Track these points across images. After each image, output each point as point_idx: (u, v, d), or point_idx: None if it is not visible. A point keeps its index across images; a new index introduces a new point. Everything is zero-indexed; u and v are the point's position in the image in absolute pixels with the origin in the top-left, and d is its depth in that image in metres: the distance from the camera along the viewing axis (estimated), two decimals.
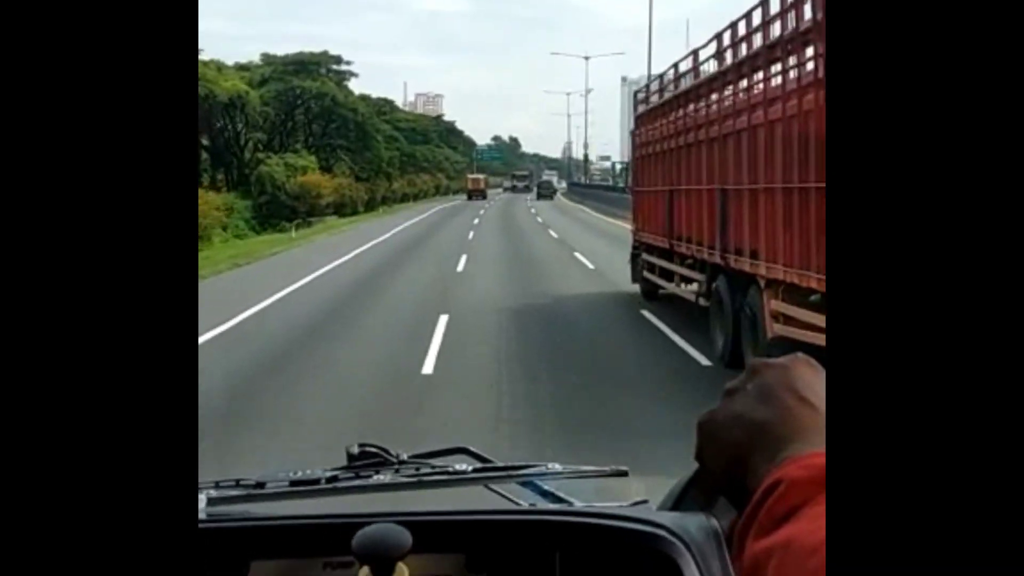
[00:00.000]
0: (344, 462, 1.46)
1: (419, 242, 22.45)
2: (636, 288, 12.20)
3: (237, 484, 1.39)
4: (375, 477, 1.42)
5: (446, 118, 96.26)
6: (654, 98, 11.90)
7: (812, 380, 0.61)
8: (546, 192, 66.18)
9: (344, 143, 42.45)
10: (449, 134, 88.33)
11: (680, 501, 1.19)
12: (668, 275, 10.62)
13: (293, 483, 1.39)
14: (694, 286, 9.34)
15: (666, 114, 10.72)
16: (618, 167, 36.63)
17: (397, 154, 51.38)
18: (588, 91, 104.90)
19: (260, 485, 1.38)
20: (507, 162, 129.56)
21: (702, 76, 9.33)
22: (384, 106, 62.43)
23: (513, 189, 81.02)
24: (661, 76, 11.47)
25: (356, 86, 52.37)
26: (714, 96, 8.87)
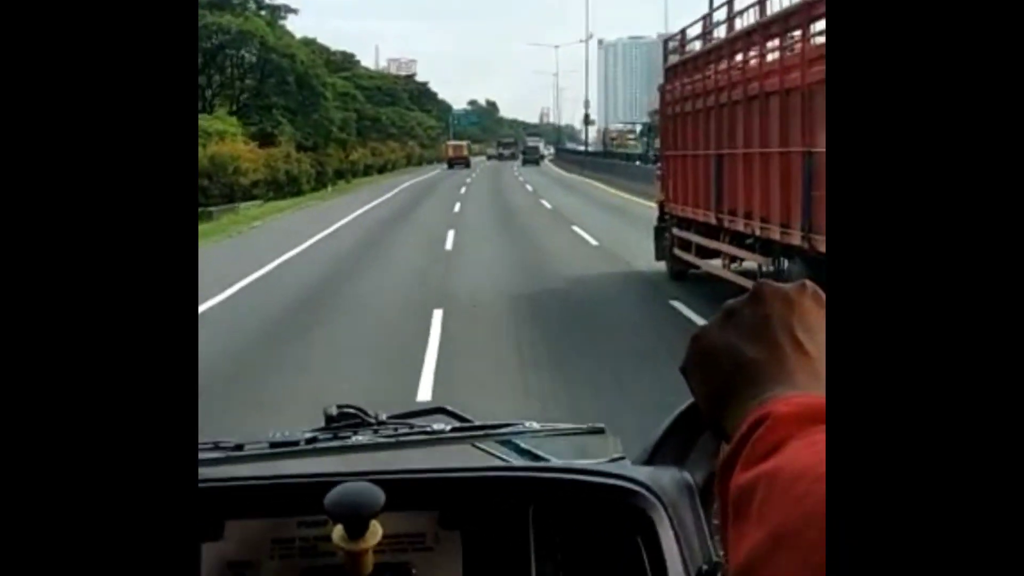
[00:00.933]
0: (322, 423, 1.52)
1: (382, 232, 19.17)
2: (653, 267, 11.54)
3: (216, 446, 1.44)
4: (353, 438, 1.49)
5: (419, 79, 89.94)
6: (695, 45, 10.90)
7: (813, 318, 0.63)
8: (531, 158, 68.40)
9: (282, 102, 35.50)
10: (422, 96, 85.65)
11: (654, 455, 1.27)
12: (710, 253, 9.81)
13: (272, 444, 1.46)
14: (746, 266, 8.48)
15: (715, 61, 9.63)
16: (636, 128, 31.48)
17: (354, 116, 45.02)
18: (589, 37, 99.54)
19: (239, 447, 1.45)
20: (486, 128, 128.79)
21: (775, 10, 8.06)
22: (343, 61, 58.37)
23: (499, 157, 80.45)
24: (707, 16, 10.60)
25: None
26: (796, 33, 7.67)
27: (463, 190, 33.54)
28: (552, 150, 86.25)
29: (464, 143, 68.97)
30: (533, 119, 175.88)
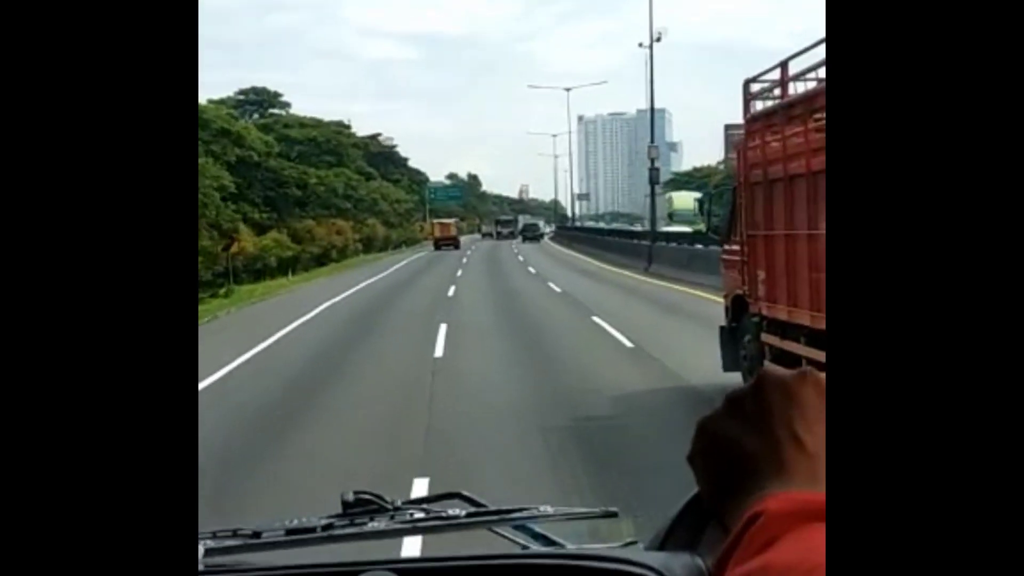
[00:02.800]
0: (339, 509, 1.71)
1: None
2: (715, 382, 9.66)
3: (234, 534, 1.62)
4: (370, 524, 1.65)
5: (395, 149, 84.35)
6: (796, 87, 8.51)
7: (813, 411, 0.69)
8: (532, 235, 74.55)
9: None
10: (387, 162, 64.28)
11: (667, 540, 1.41)
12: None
13: (289, 531, 1.62)
14: None
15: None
16: (690, 200, 27.81)
17: (265, 176, 36.02)
18: (580, 117, 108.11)
19: (256, 535, 1.62)
20: (466, 204, 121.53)
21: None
22: (260, 99, 36.76)
23: (497, 236, 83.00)
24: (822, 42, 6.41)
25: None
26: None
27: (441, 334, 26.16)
28: (552, 228, 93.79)
29: (452, 221, 66.99)
30: (512, 194, 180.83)
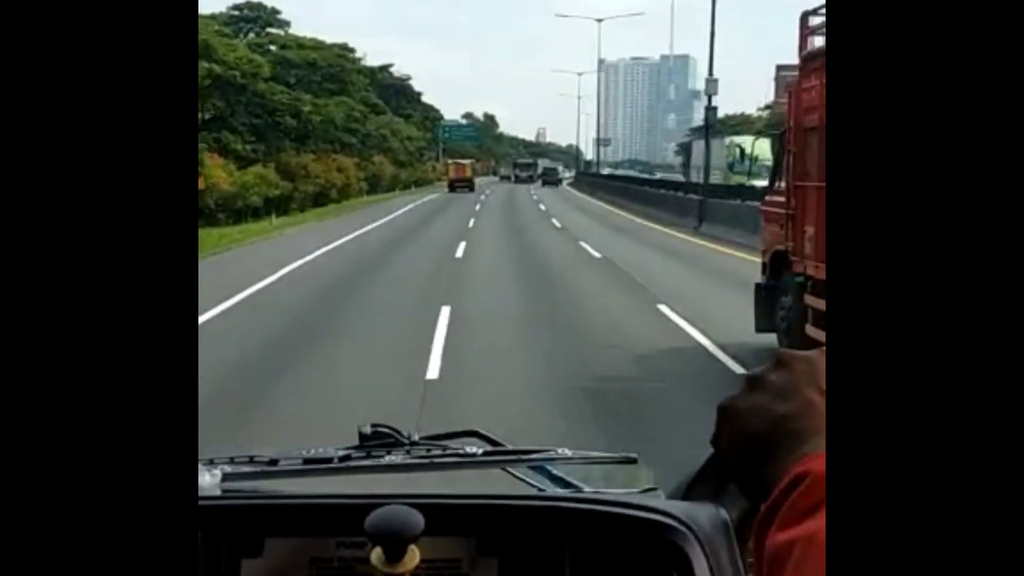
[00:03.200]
0: (356, 441, 1.69)
1: None
2: (748, 342, 9.04)
3: (251, 460, 1.62)
4: (387, 458, 1.65)
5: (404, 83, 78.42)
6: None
7: None
8: (551, 179, 75.41)
9: None
10: (399, 96, 58.51)
11: (690, 491, 1.38)
12: None
13: (306, 461, 1.62)
14: None
15: None
16: (738, 146, 19.68)
17: (250, 101, 30.35)
18: (602, 61, 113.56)
19: (273, 462, 1.62)
20: (482, 145, 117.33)
21: None
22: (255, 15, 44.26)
23: (515, 179, 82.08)
24: None
25: None
26: None
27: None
28: (571, 174, 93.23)
29: (468, 162, 63.74)
30: (530, 137, 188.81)
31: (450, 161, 64.69)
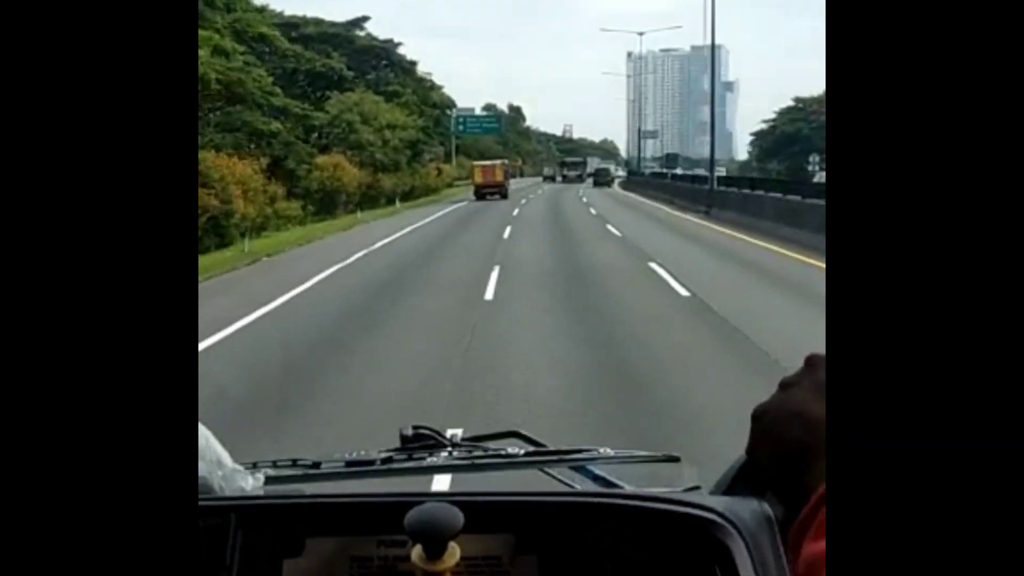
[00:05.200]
0: (398, 444, 1.73)
1: None
2: None
3: (294, 464, 1.65)
4: (428, 459, 1.66)
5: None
6: None
7: None
8: (603, 180, 68.91)
9: None
10: (381, 63, 38.53)
11: (732, 486, 1.34)
12: None
13: (348, 464, 1.64)
14: None
15: None
16: None
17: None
18: (629, 53, 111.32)
19: (316, 465, 1.64)
20: (506, 141, 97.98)
21: None
22: None
23: (563, 179, 74.21)
24: None
25: None
26: None
27: None
28: (623, 173, 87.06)
29: (499, 163, 48.59)
30: (557, 132, 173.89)
31: (476, 163, 50.21)
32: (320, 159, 33.48)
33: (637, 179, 65.63)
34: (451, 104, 70.07)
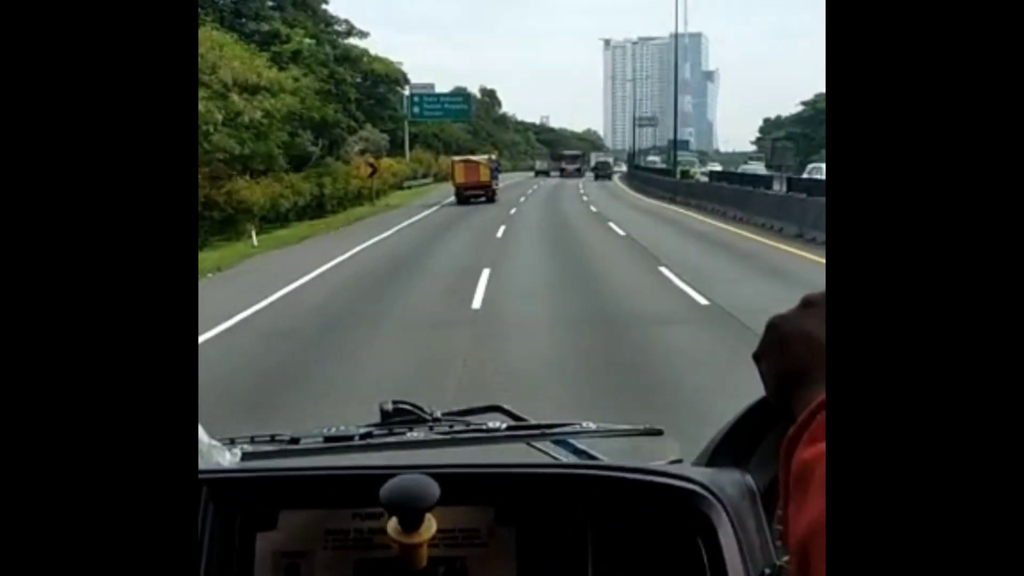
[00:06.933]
0: (378, 419, 1.74)
1: None
2: None
3: (272, 439, 1.65)
4: (408, 434, 1.66)
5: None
6: None
7: None
8: (603, 173, 67.71)
9: None
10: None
11: (714, 457, 1.36)
12: None
13: (327, 439, 1.63)
14: None
15: None
16: None
17: None
18: (607, 41, 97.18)
19: (294, 440, 1.64)
20: (477, 130, 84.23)
21: None
22: None
23: (561, 173, 70.83)
24: None
25: None
26: None
27: None
28: (623, 167, 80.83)
29: (483, 159, 39.49)
30: (535, 122, 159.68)
31: (457, 159, 40.32)
32: None
33: (641, 174, 53.54)
34: (402, 79, 53.86)
